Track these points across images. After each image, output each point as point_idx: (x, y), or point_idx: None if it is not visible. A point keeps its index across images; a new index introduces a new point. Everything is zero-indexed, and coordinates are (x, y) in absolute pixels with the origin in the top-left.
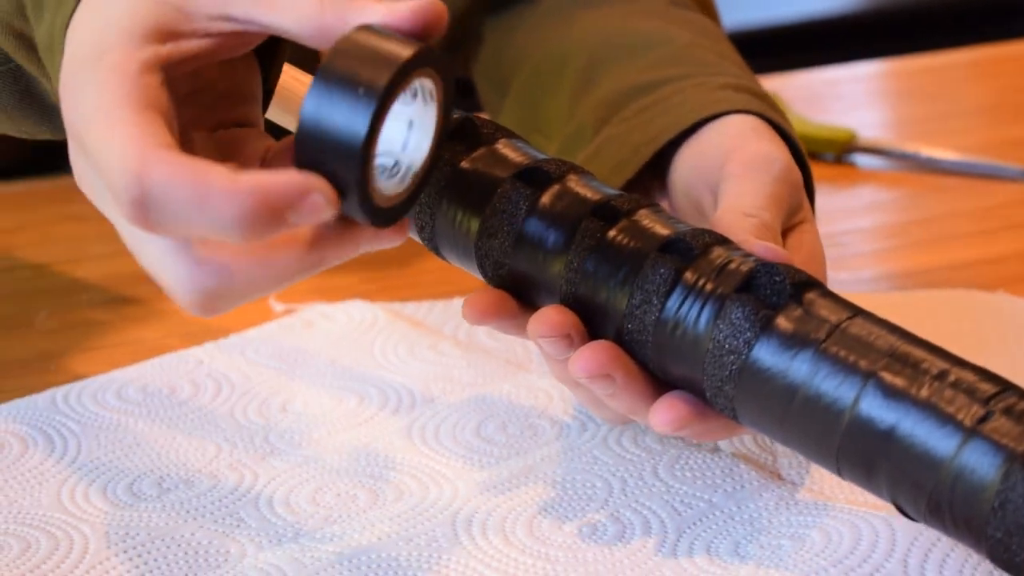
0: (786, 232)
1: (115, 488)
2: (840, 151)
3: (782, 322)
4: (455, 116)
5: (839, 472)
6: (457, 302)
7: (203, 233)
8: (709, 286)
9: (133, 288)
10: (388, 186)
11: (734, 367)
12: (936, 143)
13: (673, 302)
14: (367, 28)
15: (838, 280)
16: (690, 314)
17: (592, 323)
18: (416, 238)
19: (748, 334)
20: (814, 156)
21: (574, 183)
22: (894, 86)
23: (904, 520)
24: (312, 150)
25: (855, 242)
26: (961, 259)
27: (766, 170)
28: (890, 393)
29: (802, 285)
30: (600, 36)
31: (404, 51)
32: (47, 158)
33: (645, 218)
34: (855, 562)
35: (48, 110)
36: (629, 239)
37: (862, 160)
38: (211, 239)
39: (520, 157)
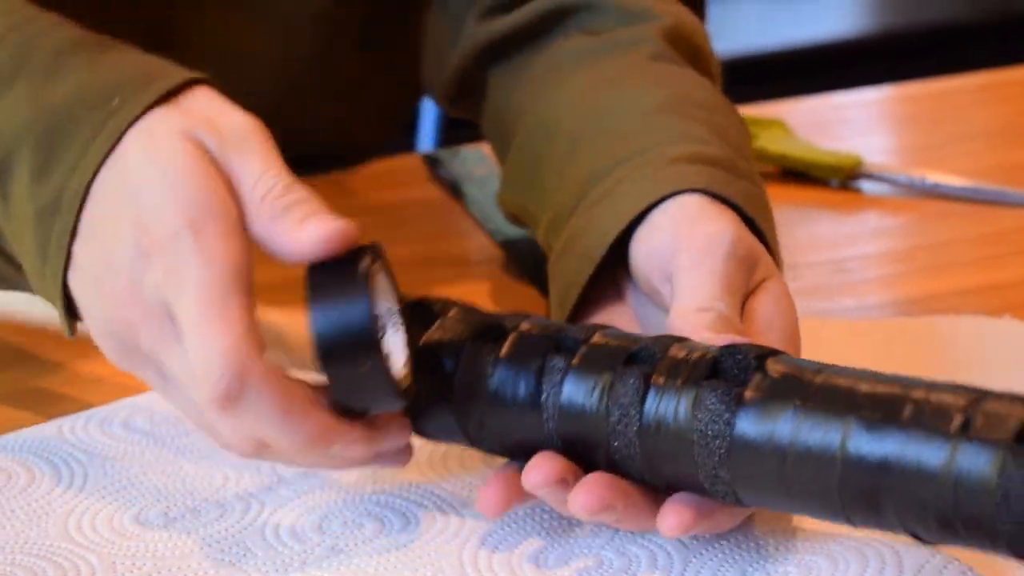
0: (751, 295)
1: (122, 518)
2: (846, 177)
3: (754, 394)
4: (408, 301)
5: (850, 521)
6: None
7: (268, 435)
8: (679, 382)
9: None
10: (393, 343)
11: (722, 450)
12: (942, 168)
13: (649, 407)
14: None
15: (844, 307)
16: (668, 413)
17: (580, 454)
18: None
19: (727, 415)
20: (820, 182)
21: (528, 328)
22: (900, 111)
23: (910, 546)
24: (337, 366)
25: (861, 268)
26: (967, 285)
27: (714, 253)
28: (873, 428)
29: (764, 356)
30: (581, 105)
31: (363, 268)
32: None
33: (601, 341)
34: None
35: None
36: (592, 365)
37: (868, 186)
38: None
39: (474, 319)
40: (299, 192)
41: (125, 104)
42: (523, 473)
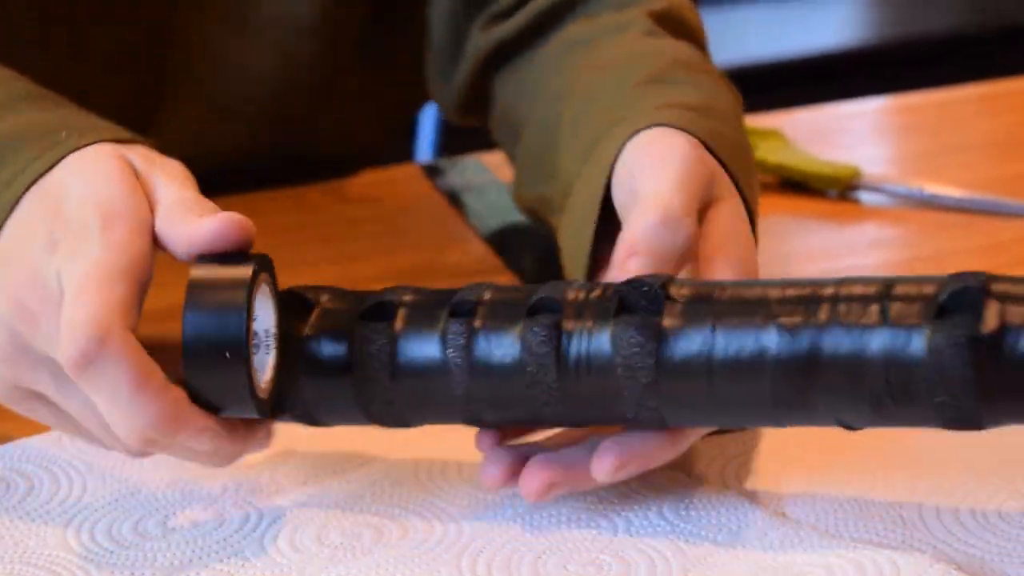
0: (710, 207)
1: (120, 527)
2: (844, 187)
3: (672, 320)
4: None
5: (779, 423)
6: None
7: (112, 410)
8: (590, 323)
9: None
10: (261, 362)
11: (648, 380)
12: (940, 179)
13: (565, 352)
14: (205, 262)
15: None
16: (586, 355)
17: (499, 411)
18: (288, 421)
19: (649, 345)
20: (818, 192)
21: (414, 299)
22: (898, 122)
23: (907, 555)
24: (201, 369)
25: None
26: None
27: (670, 160)
28: (795, 330)
29: (666, 284)
30: (579, 91)
31: (245, 272)
32: None
33: (496, 297)
34: None
35: None
36: (496, 323)
37: (866, 196)
38: (112, 418)
39: (353, 302)
40: (209, 203)
41: (71, 137)
42: (482, 476)
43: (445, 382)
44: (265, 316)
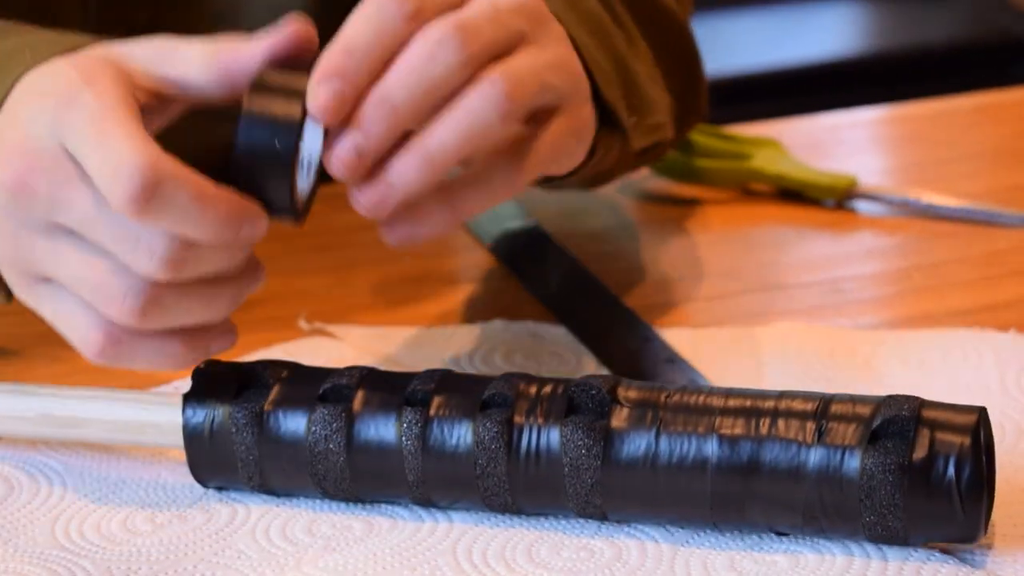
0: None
1: (109, 524)
2: (841, 197)
3: (617, 424)
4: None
5: (716, 525)
6: (431, 332)
7: (188, 227)
8: (540, 420)
9: None
10: (302, 184)
11: (593, 480)
12: (937, 189)
13: (516, 448)
14: (268, 70)
15: (838, 327)
16: (535, 452)
17: (451, 494)
18: (243, 486)
19: (596, 448)
20: (815, 202)
21: (372, 382)
22: (895, 132)
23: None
24: (247, 172)
25: (856, 288)
26: (963, 306)
27: None
28: (735, 441)
29: (613, 387)
30: None
31: (302, 83)
32: None
33: (451, 386)
34: None
35: None
36: (450, 411)
37: (863, 206)
38: (185, 234)
39: (311, 381)
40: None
41: (34, 55)
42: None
43: (398, 466)
44: (312, 141)
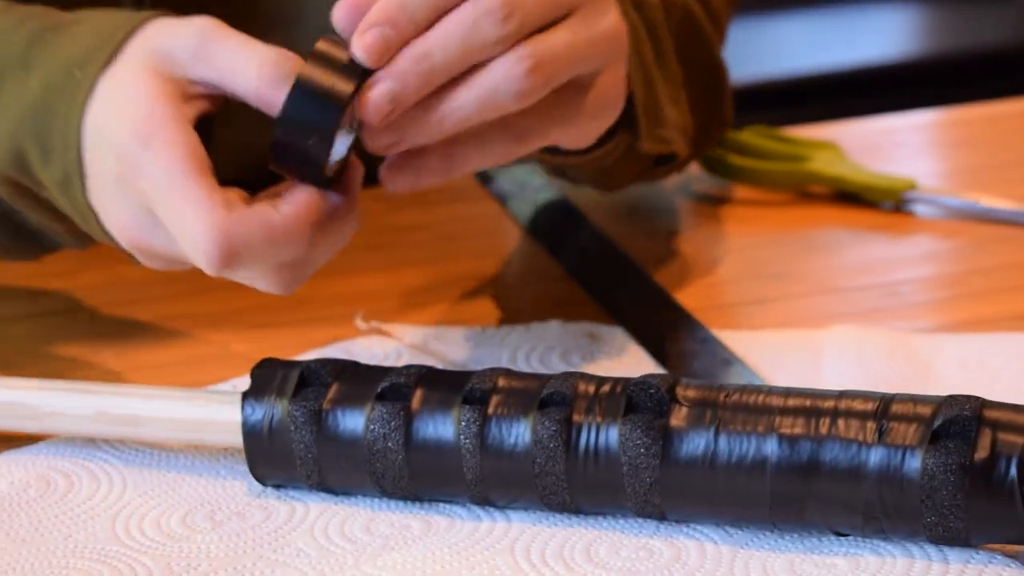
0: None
1: (168, 520)
2: (898, 200)
3: (676, 423)
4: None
5: (775, 525)
6: (487, 332)
7: (273, 261)
8: (599, 419)
9: (193, 330)
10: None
11: (652, 479)
12: (995, 192)
13: (574, 447)
14: (327, 42)
15: (897, 329)
16: (594, 451)
17: (509, 492)
18: (302, 485)
19: (654, 447)
20: (872, 205)
21: (429, 380)
22: (953, 135)
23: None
24: (291, 138)
25: (913, 292)
26: (1020, 309)
27: None
28: (795, 441)
29: (672, 386)
30: None
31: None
32: None
33: (509, 384)
34: None
35: (37, 236)
36: (508, 409)
37: (921, 209)
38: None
39: (370, 379)
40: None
41: (84, 75)
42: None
43: (456, 464)
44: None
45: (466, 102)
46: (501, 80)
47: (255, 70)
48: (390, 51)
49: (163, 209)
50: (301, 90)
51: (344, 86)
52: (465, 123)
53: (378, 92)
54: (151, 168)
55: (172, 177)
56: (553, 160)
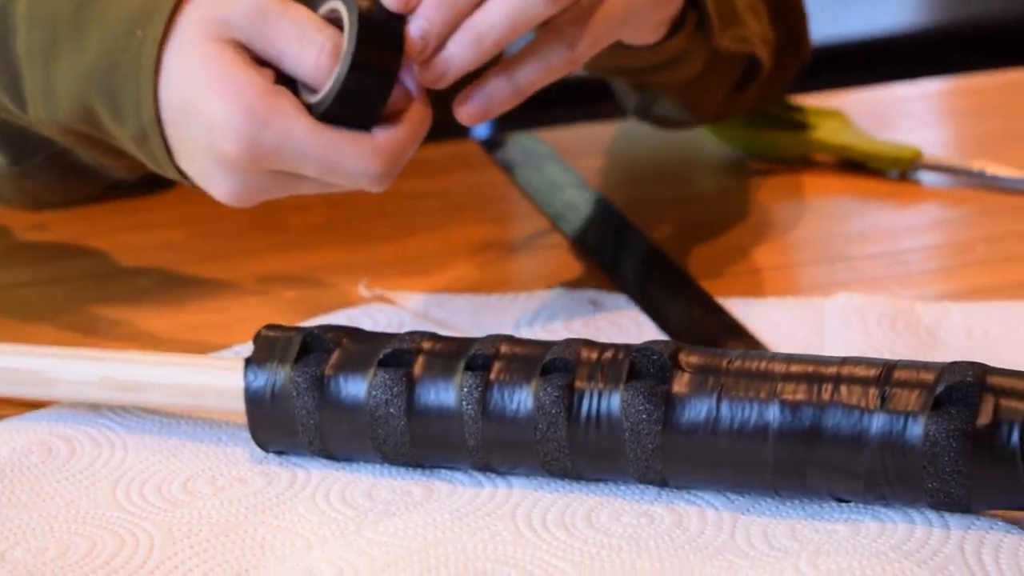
0: None
1: (170, 487)
2: (905, 168)
3: (680, 389)
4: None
5: (777, 491)
6: (491, 299)
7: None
8: (601, 386)
9: (196, 297)
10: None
11: (654, 445)
12: (1002, 161)
13: (576, 412)
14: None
15: (902, 297)
16: (596, 416)
17: (510, 458)
18: (305, 452)
19: (656, 413)
20: (879, 173)
21: (432, 346)
22: (960, 104)
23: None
24: (348, 107)
25: (920, 260)
26: None
27: None
28: (797, 407)
29: (674, 353)
30: None
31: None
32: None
33: (512, 351)
34: (913, 547)
35: (88, 172)
36: (511, 376)
37: (927, 178)
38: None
39: (371, 344)
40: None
41: (147, 35)
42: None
43: (458, 430)
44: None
45: (497, 18)
46: None
47: (313, 59)
48: None
49: (314, 166)
50: (355, 71)
51: (391, 59)
52: (503, 40)
53: (410, 33)
54: (273, 137)
55: (309, 134)
56: (628, 65)
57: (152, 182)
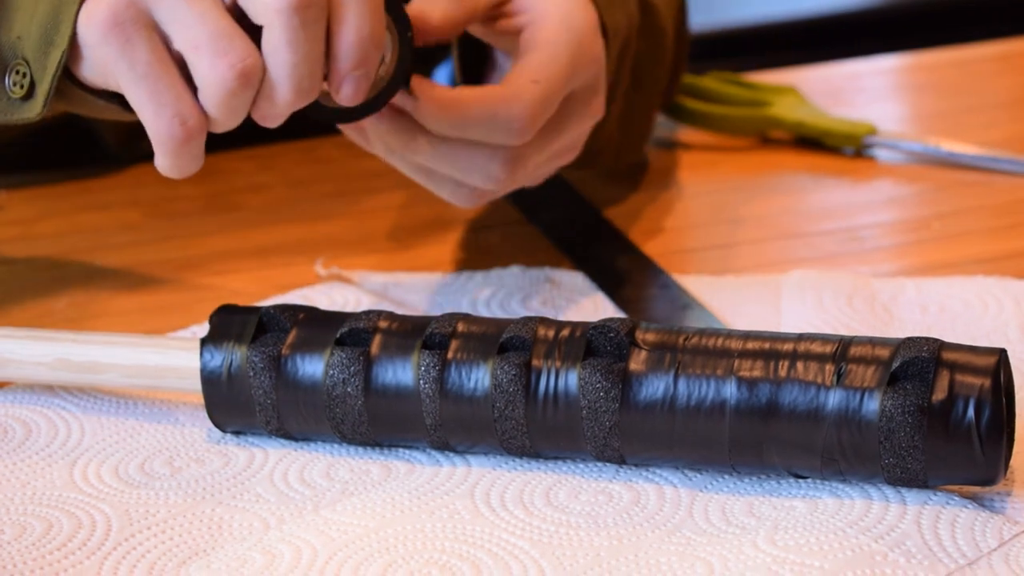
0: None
1: (127, 468)
2: (859, 145)
3: (635, 366)
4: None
5: (735, 468)
6: (448, 277)
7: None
8: (558, 363)
9: (153, 277)
10: None
11: (611, 423)
12: (957, 137)
13: (533, 390)
14: None
15: (857, 274)
16: (554, 394)
17: (468, 437)
18: (261, 430)
19: (613, 391)
20: (834, 150)
21: (389, 325)
22: (916, 80)
23: (912, 489)
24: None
25: (874, 236)
26: (982, 254)
27: None
28: (754, 384)
29: (631, 330)
30: None
31: None
32: (66, 150)
33: (469, 329)
34: (870, 523)
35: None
36: (468, 354)
37: (882, 154)
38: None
39: (328, 322)
40: None
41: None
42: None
43: (416, 409)
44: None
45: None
46: None
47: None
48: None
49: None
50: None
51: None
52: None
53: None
54: None
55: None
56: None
57: (109, 160)
